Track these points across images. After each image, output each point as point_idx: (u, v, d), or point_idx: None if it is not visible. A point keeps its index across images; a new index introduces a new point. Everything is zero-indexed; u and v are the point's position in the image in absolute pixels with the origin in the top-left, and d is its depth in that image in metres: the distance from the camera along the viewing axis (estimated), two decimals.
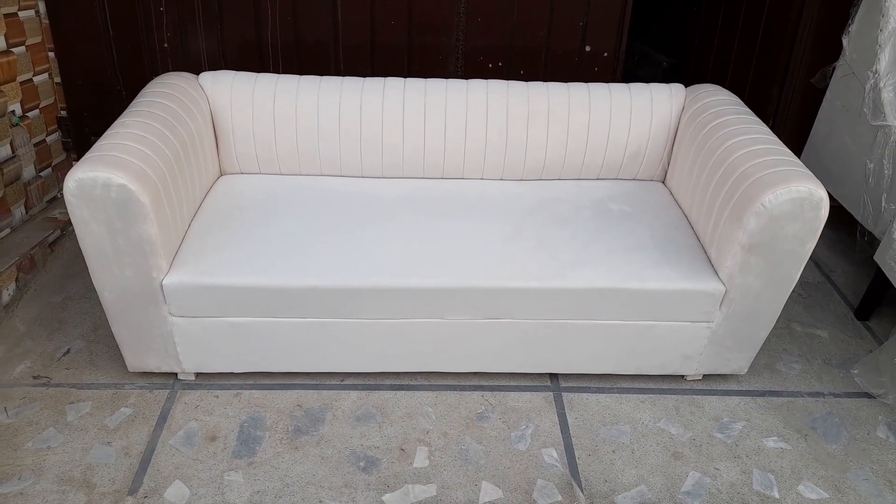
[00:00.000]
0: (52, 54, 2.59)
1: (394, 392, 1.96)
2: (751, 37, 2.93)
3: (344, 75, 2.39)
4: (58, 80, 2.64)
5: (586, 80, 2.23)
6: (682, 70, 3.54)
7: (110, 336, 2.07)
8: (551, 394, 1.97)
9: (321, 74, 2.19)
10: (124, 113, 1.83)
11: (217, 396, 1.92)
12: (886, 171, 2.18)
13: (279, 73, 2.55)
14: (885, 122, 2.19)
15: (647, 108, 2.15)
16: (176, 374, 1.97)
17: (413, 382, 1.99)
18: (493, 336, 1.87)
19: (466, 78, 2.23)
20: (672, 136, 2.19)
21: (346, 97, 2.10)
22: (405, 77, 2.20)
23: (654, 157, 2.21)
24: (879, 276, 2.21)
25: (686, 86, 2.23)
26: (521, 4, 2.54)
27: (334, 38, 2.59)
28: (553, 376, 2.03)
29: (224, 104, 2.09)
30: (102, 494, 1.64)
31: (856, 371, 2.06)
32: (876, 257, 2.15)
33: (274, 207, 2.00)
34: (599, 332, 1.87)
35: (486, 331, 1.86)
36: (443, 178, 2.21)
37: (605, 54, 2.64)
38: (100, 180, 1.55)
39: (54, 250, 2.49)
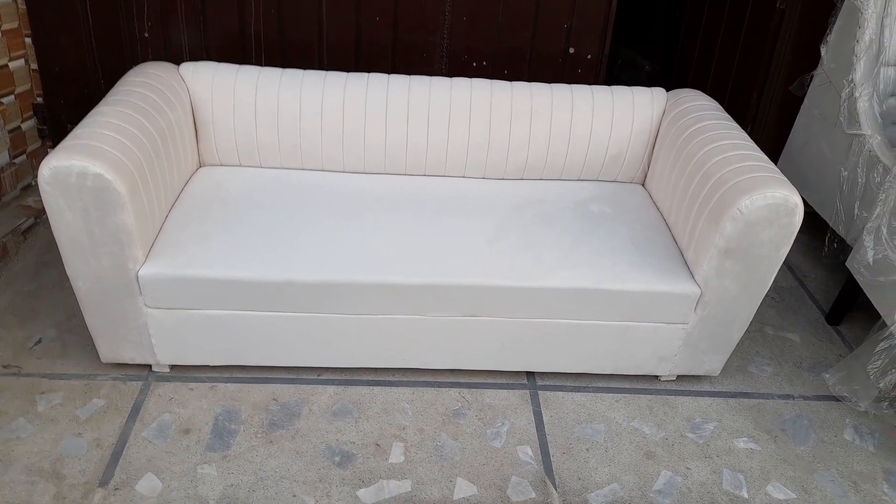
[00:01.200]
0: (28, 40, 2.54)
1: (371, 388, 1.96)
2: (732, 43, 2.97)
3: (328, 71, 2.38)
4: (34, 66, 2.59)
5: (570, 82, 2.25)
6: (665, 75, 3.58)
7: (83, 326, 2.04)
8: (528, 392, 1.99)
9: (305, 69, 2.18)
10: (102, 102, 1.80)
11: (192, 389, 1.90)
12: (860, 180, 2.22)
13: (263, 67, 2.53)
14: (859, 132, 2.23)
15: (628, 111, 2.17)
16: (150, 366, 1.95)
17: (391, 378, 1.99)
18: (472, 334, 1.88)
19: (450, 76, 2.23)
20: (653, 139, 2.21)
21: (330, 91, 2.09)
22: (389, 74, 2.20)
23: (634, 159, 2.23)
24: (851, 282, 2.25)
25: (668, 90, 2.26)
26: (506, 5, 2.55)
27: (319, 34, 2.57)
28: (530, 374, 2.05)
29: (205, 95, 2.07)
30: (72, 486, 1.62)
31: (828, 376, 2.10)
32: (847, 263, 2.19)
33: (253, 200, 1.98)
34: (577, 331, 1.89)
35: (464, 328, 1.87)
36: (424, 175, 2.22)
37: (589, 57, 2.66)
38: (76, 169, 1.53)
39: (27, 238, 2.45)
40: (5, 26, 2.41)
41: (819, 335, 2.33)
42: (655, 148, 2.20)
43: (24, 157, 2.60)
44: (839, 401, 2.05)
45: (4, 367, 1.92)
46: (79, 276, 1.71)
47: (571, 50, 2.65)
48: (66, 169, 1.54)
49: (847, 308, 2.36)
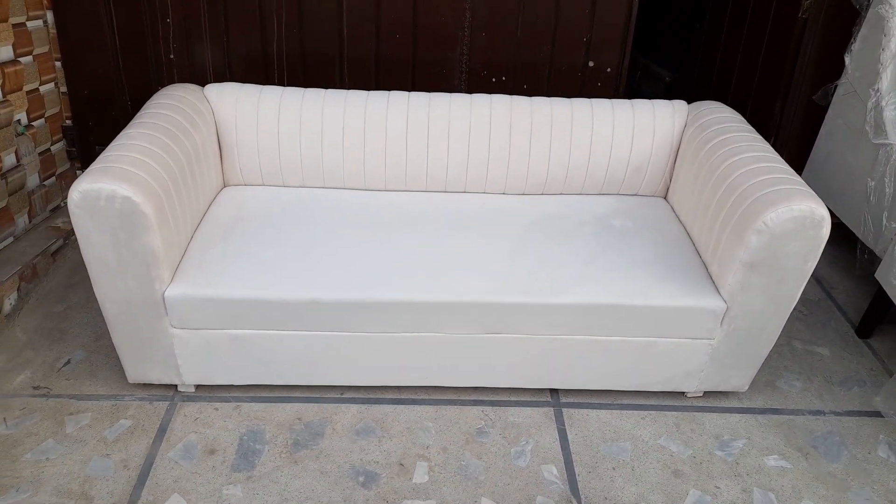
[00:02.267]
0: (58, 64, 2.60)
1: (394, 406, 1.95)
2: (754, 53, 2.95)
3: (349, 88, 2.41)
4: (64, 89, 2.65)
5: (589, 96, 2.25)
6: (686, 85, 3.55)
7: (111, 347, 2.07)
8: (552, 409, 1.97)
9: (326, 87, 2.21)
10: (129, 124, 1.84)
11: (217, 409, 1.92)
12: (888, 190, 2.18)
13: (284, 85, 2.56)
14: (886, 141, 2.19)
15: (649, 124, 2.16)
16: (176, 386, 1.97)
17: (413, 396, 1.99)
18: (494, 351, 1.87)
19: (470, 92, 2.24)
20: (674, 152, 2.19)
21: (351, 110, 2.11)
22: (410, 90, 2.21)
23: (656, 173, 2.22)
24: (881, 294, 2.21)
25: (689, 100, 2.24)
26: (525, 20, 2.55)
27: (339, 52, 2.60)
28: (553, 391, 2.03)
29: (229, 116, 2.10)
30: None
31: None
32: (877, 275, 2.15)
33: (277, 219, 2.00)
34: (600, 347, 1.87)
35: (486, 345, 1.86)
36: (445, 192, 2.22)
37: (609, 70, 2.66)
38: (104, 192, 1.56)
39: (56, 260, 2.49)
40: (37, 51, 2.48)
41: (849, 349, 2.29)
42: (677, 161, 2.19)
43: (53, 178, 2.66)
44: (872, 416, 2.01)
45: (35, 388, 1.96)
46: (106, 297, 1.73)
47: (591, 63, 2.64)
48: (95, 192, 1.56)
49: (877, 321, 2.31)
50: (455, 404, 1.97)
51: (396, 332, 1.83)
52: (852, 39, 2.39)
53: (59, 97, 2.65)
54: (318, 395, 1.97)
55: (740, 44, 3.06)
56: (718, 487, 1.76)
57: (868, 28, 2.31)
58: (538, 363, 1.90)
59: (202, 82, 2.22)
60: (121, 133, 1.79)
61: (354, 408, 1.94)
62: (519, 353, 1.88)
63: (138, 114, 1.91)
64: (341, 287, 1.76)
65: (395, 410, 1.94)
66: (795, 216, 1.63)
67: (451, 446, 1.84)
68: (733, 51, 3.12)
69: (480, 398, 1.99)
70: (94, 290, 1.73)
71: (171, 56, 2.60)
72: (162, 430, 1.84)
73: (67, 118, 2.71)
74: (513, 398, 2.00)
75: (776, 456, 1.86)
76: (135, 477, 1.71)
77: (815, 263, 1.72)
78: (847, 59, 2.41)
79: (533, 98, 2.19)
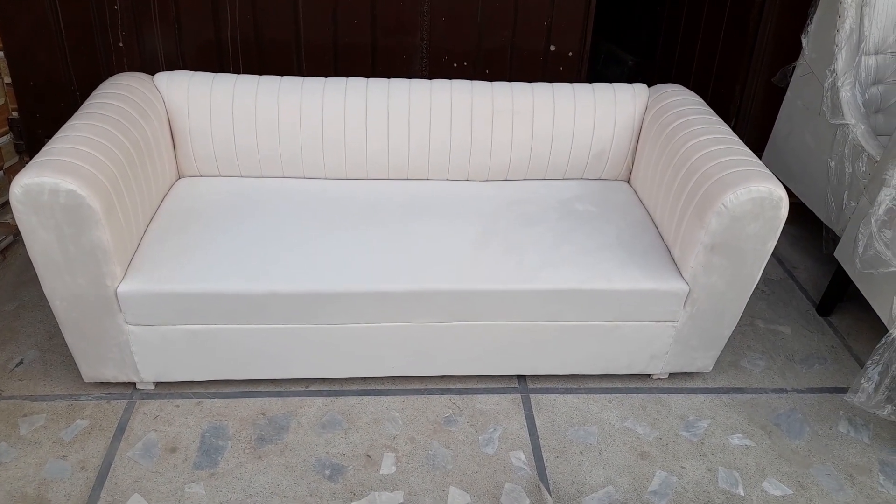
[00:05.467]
0: (1, 54, 2.49)
1: (360, 397, 1.93)
2: (714, 36, 2.96)
3: (307, 75, 2.35)
4: (8, 80, 2.54)
5: (552, 80, 2.23)
6: (649, 69, 3.56)
7: (65, 345, 2.00)
8: (519, 395, 1.97)
9: (283, 75, 2.15)
10: (74, 116, 1.77)
11: (177, 406, 1.87)
12: (847, 170, 2.21)
13: (240, 73, 2.49)
14: (843, 121, 2.22)
15: (610, 108, 2.15)
16: (134, 384, 1.91)
17: (380, 387, 1.96)
18: (460, 339, 1.86)
19: (431, 78, 2.20)
20: (636, 135, 2.19)
21: (308, 98, 2.06)
22: (369, 77, 2.17)
23: (618, 156, 2.22)
24: (840, 273, 2.24)
25: (652, 84, 2.24)
26: (485, 4, 2.52)
27: (296, 39, 2.54)
28: (521, 378, 2.02)
29: (181, 105, 2.03)
30: None
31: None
32: (836, 254, 2.18)
33: (233, 210, 1.95)
34: (566, 333, 1.87)
35: (453, 334, 1.84)
36: (407, 180, 2.19)
37: (570, 54, 2.64)
38: (47, 186, 1.49)
39: (6, 256, 2.40)
40: None
41: (810, 327, 2.32)
42: (639, 144, 2.19)
43: (1, 173, 2.56)
44: (832, 393, 2.04)
45: None
46: (56, 294, 1.67)
47: (552, 48, 2.63)
48: (37, 186, 1.50)
49: (837, 298, 2.35)
50: (422, 394, 1.95)
51: (360, 323, 1.80)
52: (808, 21, 2.41)
53: (3, 89, 2.54)
54: (282, 389, 1.94)
55: (700, 27, 3.08)
56: (684, 468, 1.78)
57: (823, 10, 2.33)
58: (505, 350, 1.89)
59: (153, 71, 2.14)
60: (65, 125, 1.72)
61: (320, 400, 1.91)
62: (486, 340, 1.87)
63: (83, 105, 1.83)
64: (302, 278, 1.73)
65: (361, 402, 1.91)
66: (754, 197, 1.64)
67: (418, 436, 1.82)
68: (694, 34, 3.13)
69: (448, 387, 1.98)
70: (43, 287, 1.66)
71: (121, 44, 2.51)
72: (120, 430, 1.79)
73: (14, 110, 2.60)
74: (480, 385, 1.99)
75: (740, 434, 1.89)
76: (93, 478, 1.66)
77: (775, 244, 1.73)
78: (804, 41, 2.43)
79: (494, 83, 2.16)
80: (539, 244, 1.89)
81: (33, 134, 2.63)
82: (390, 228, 1.92)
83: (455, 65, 2.63)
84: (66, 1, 2.42)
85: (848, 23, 2.20)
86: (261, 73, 2.15)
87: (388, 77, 2.17)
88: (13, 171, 2.64)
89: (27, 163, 2.67)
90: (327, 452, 1.76)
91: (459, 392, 1.96)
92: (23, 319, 2.14)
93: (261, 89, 2.05)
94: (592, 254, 1.86)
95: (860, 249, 1.98)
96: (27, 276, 2.32)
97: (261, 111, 2.05)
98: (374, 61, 2.61)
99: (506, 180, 2.23)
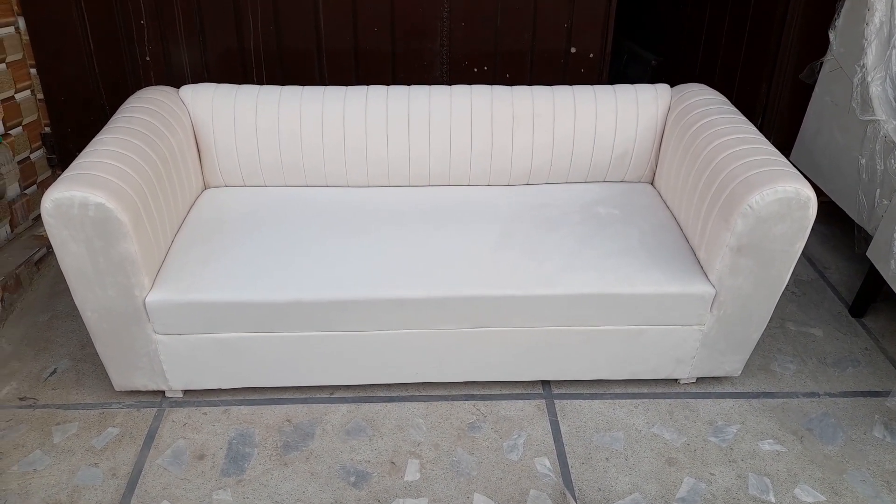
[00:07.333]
0: (33, 70, 2.56)
1: (384, 404, 1.93)
2: (738, 33, 2.91)
3: (328, 83, 2.38)
4: (40, 96, 2.62)
5: (573, 82, 2.22)
6: (671, 68, 3.52)
7: (97, 355, 2.05)
8: (543, 401, 1.95)
9: (305, 83, 2.18)
10: (102, 130, 1.81)
11: (205, 413, 1.90)
12: (879, 167, 2.16)
13: (263, 83, 2.53)
14: (874, 117, 2.17)
15: (632, 109, 2.13)
16: (164, 392, 1.95)
17: (404, 394, 1.97)
18: (484, 345, 1.85)
19: (451, 83, 2.20)
20: (659, 137, 2.16)
21: (329, 107, 2.08)
22: (390, 83, 2.18)
23: (641, 158, 2.19)
24: (873, 273, 2.19)
25: (675, 84, 2.21)
26: (504, 7, 2.52)
27: (318, 47, 2.57)
28: (545, 383, 2.01)
29: (205, 117, 2.07)
30: None
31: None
32: (868, 253, 2.12)
33: (258, 220, 1.97)
34: (590, 337, 1.85)
35: (476, 340, 1.84)
36: (429, 186, 2.19)
37: (591, 55, 2.62)
38: (76, 200, 1.53)
39: (40, 269, 2.47)
40: (10, 58, 2.44)
41: (843, 329, 2.27)
42: (662, 145, 2.16)
43: (34, 187, 2.63)
44: (867, 397, 1.99)
45: (21, 399, 1.94)
46: (87, 305, 1.71)
47: (573, 49, 2.61)
48: (67, 200, 1.54)
49: (871, 299, 2.29)
50: (446, 400, 1.95)
51: (384, 330, 1.80)
52: (836, 15, 2.35)
53: (36, 104, 2.61)
54: (307, 396, 1.95)
55: (724, 24, 3.03)
56: (713, 474, 1.75)
57: (851, 3, 2.27)
58: (528, 356, 1.88)
59: (179, 82, 2.19)
60: (93, 139, 1.76)
61: (344, 407, 1.92)
62: (509, 346, 1.86)
63: (111, 119, 1.88)
64: (326, 287, 1.74)
65: (385, 408, 1.92)
66: (780, 198, 1.61)
67: (442, 442, 1.82)
68: (718, 31, 3.09)
69: (471, 393, 1.97)
70: (74, 299, 1.70)
71: (147, 58, 2.56)
72: (150, 437, 1.82)
73: (46, 125, 2.67)
74: (504, 392, 1.98)
75: (771, 440, 1.85)
76: (123, 485, 1.69)
77: (803, 244, 1.70)
78: (832, 35, 2.38)
79: (514, 87, 2.16)
80: (561, 248, 1.88)
81: (65, 148, 2.70)
82: (413, 235, 1.92)
83: (475, 69, 2.63)
84: (95, 18, 2.48)
85: (878, 16, 2.15)
86: (283, 81, 2.19)
87: (409, 83, 2.18)
88: (46, 185, 2.71)
89: (59, 176, 2.75)
90: (352, 459, 1.77)
91: (483, 398, 1.96)
92: (56, 329, 2.20)
93: (283, 100, 2.08)
94: (615, 257, 1.84)
95: (894, 248, 1.93)
96: (60, 287, 2.38)
97: (283, 122, 2.07)
98: (395, 67, 2.62)
99: (527, 185, 2.22)
